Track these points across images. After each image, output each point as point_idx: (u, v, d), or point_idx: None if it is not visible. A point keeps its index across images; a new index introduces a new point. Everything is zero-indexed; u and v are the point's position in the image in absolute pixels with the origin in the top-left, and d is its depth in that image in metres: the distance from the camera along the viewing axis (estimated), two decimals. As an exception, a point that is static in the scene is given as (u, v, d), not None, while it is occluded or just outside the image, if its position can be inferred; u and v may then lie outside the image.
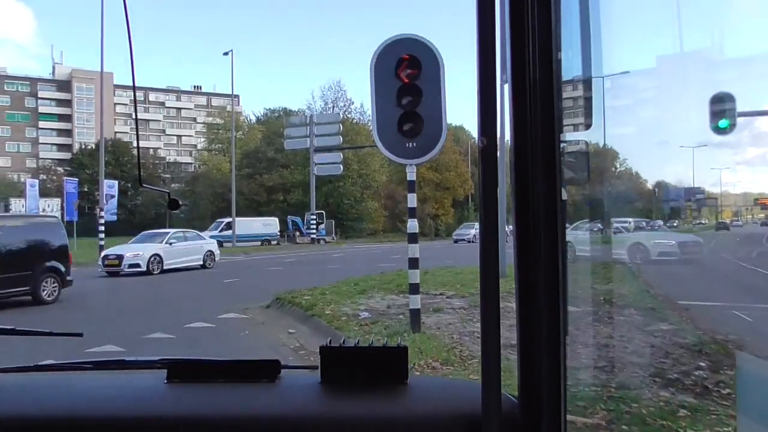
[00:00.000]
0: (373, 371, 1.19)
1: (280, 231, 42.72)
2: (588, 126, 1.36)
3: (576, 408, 3.95)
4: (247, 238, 38.14)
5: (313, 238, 39.93)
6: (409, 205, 7.60)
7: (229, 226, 38.77)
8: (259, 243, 39.27)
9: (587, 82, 1.30)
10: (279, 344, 7.62)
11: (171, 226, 39.46)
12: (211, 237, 36.92)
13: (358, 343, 1.26)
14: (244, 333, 8.67)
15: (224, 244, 35.45)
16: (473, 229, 39.99)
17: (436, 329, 7.33)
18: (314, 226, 40.04)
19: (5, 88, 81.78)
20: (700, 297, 9.00)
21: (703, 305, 8.34)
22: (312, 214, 40.24)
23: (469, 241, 38.02)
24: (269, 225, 42.15)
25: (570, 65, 1.12)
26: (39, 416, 1.13)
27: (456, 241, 39.84)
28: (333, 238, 43.99)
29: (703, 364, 5.06)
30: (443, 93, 6.35)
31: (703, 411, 3.90)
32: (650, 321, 7.05)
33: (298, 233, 43.24)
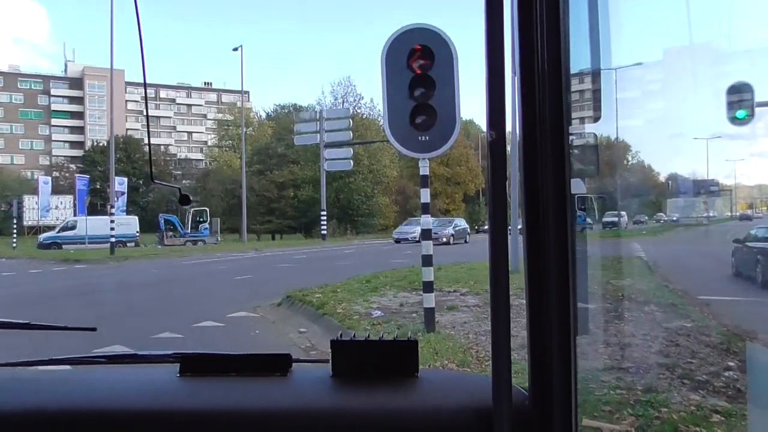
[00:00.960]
0: (383, 364, 1.20)
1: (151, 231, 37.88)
2: (597, 119, 1.37)
3: (602, 413, 3.76)
4: (95, 239, 31.83)
5: (191, 239, 36.20)
6: (422, 201, 7.42)
7: (73, 225, 34.21)
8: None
9: (596, 75, 1.30)
10: (290, 344, 7.48)
11: (182, 223, 39.41)
12: (46, 239, 34.25)
13: (368, 336, 1.26)
14: (255, 332, 8.54)
15: (63, 246, 32.49)
16: (418, 227, 35.85)
17: (451, 328, 7.15)
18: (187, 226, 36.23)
19: (18, 86, 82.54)
20: (720, 291, 8.79)
21: (723, 300, 8.12)
22: (195, 211, 37.00)
23: (417, 241, 32.95)
24: (125, 224, 35.34)
25: (579, 58, 1.13)
26: (54, 409, 1.15)
27: (397, 241, 33.60)
28: (217, 240, 39.06)
29: (732, 363, 4.84)
30: (456, 84, 6.17)
31: (738, 416, 3.68)
32: (672, 318, 6.85)
33: (171, 233, 38.03)
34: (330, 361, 1.22)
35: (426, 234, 7.45)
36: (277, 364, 1.25)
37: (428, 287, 7.17)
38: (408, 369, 1.20)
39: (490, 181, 0.99)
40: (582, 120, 1.43)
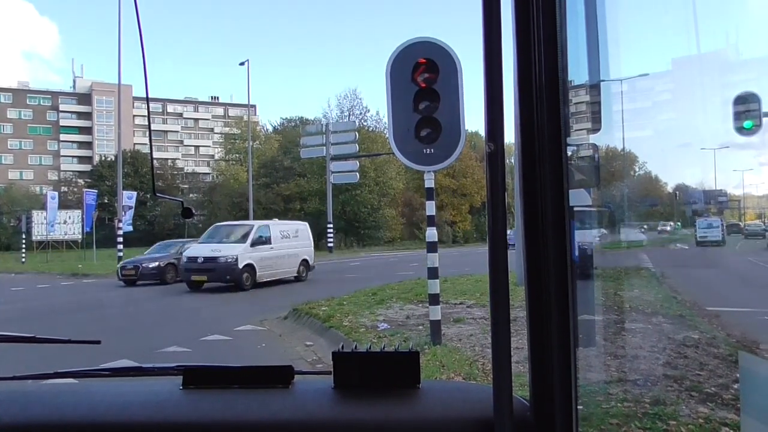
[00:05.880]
0: (385, 376, 1.21)
1: None
2: (596, 130, 1.38)
3: (610, 426, 3.73)
4: None
5: None
6: (428, 213, 7.42)
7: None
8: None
9: (595, 86, 1.30)
10: (296, 357, 7.47)
11: (189, 236, 39.25)
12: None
13: (369, 348, 1.26)
14: (261, 346, 8.53)
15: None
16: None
17: (458, 341, 7.13)
18: None
19: (28, 102, 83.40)
20: (729, 303, 8.72)
21: (732, 311, 8.05)
22: None
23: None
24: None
25: (578, 69, 1.14)
26: (59, 422, 1.16)
27: None
28: None
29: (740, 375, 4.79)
30: (461, 97, 6.19)
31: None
32: (680, 329, 6.79)
33: None
34: (332, 372, 1.23)
35: (431, 246, 7.45)
36: (280, 376, 1.26)
37: (434, 299, 7.16)
38: (409, 380, 1.21)
39: (489, 193, 0.99)
40: (581, 131, 1.44)
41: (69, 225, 40.25)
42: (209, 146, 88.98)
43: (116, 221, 28.25)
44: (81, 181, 67.25)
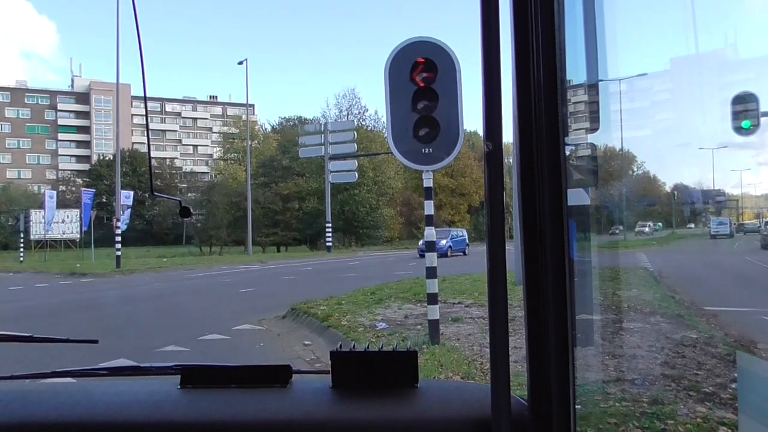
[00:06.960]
0: (383, 375, 1.21)
1: None
2: (595, 129, 1.38)
3: (608, 425, 3.74)
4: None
5: None
6: (426, 213, 7.41)
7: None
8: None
9: (593, 86, 1.30)
10: (295, 356, 7.47)
11: (187, 236, 39.27)
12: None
13: (368, 347, 1.26)
14: (259, 345, 8.53)
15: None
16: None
17: (456, 340, 7.13)
18: None
19: (26, 101, 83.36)
20: (727, 302, 8.74)
21: (730, 311, 8.08)
22: None
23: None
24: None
25: (576, 69, 1.14)
26: (57, 421, 1.16)
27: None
28: None
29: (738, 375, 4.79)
30: (460, 97, 6.19)
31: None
32: (678, 329, 6.81)
33: None
34: (330, 372, 1.22)
35: (430, 246, 7.45)
36: (278, 376, 1.25)
37: (432, 299, 7.15)
38: (408, 380, 1.20)
39: (487, 192, 0.99)
40: (580, 131, 1.44)
41: (67, 224, 40.17)
42: (208, 145, 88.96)
43: (114, 220, 28.21)
44: (79, 180, 67.25)
